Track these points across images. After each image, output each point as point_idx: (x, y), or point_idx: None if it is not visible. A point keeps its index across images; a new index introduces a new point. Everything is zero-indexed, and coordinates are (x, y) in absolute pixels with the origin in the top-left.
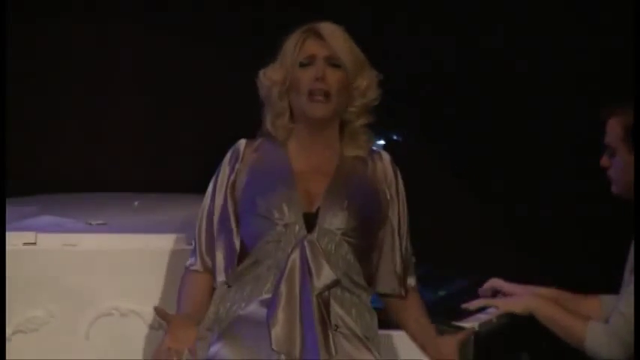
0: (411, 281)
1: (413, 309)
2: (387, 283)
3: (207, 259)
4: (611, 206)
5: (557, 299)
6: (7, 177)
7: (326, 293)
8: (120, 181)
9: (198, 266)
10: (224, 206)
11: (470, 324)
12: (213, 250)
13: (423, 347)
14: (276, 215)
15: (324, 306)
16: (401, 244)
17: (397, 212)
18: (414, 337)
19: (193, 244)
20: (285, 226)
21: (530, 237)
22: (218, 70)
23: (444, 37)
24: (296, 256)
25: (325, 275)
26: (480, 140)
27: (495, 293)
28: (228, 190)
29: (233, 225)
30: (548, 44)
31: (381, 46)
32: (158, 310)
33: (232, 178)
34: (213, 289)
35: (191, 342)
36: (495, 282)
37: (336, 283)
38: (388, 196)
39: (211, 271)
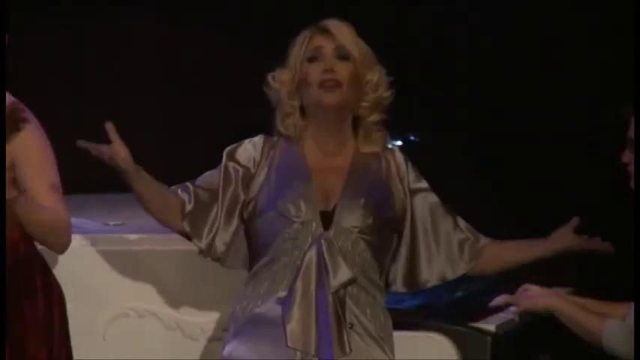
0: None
1: (498, 248)
2: (465, 256)
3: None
4: (622, 207)
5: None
6: None
7: (342, 291)
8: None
9: (185, 199)
10: (235, 189)
11: (489, 325)
12: (204, 212)
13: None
14: (293, 212)
15: (340, 304)
16: (454, 219)
17: (424, 202)
18: (518, 257)
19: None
20: (302, 223)
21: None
22: (218, 69)
23: (456, 34)
24: (312, 253)
25: (342, 273)
26: (497, 137)
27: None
28: (244, 180)
29: (236, 212)
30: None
31: (398, 41)
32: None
33: (252, 169)
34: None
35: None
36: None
37: (352, 281)
38: (402, 194)
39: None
